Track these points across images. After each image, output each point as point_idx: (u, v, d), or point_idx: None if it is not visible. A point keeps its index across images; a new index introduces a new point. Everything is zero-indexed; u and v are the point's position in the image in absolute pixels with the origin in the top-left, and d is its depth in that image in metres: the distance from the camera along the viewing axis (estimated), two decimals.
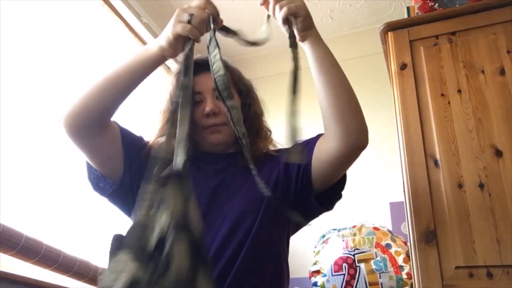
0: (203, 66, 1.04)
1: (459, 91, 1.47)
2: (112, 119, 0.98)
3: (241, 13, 2.53)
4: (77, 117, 0.90)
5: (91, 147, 0.95)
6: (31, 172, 1.48)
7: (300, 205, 1.01)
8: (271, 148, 1.13)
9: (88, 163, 1.00)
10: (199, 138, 1.07)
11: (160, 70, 2.42)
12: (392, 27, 1.65)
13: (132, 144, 1.01)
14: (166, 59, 0.92)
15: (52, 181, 1.55)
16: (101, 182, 1.00)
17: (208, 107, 1.03)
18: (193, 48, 0.86)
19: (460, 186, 1.34)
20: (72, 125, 0.91)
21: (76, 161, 1.64)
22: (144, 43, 2.35)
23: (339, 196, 1.07)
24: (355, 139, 0.96)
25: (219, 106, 1.03)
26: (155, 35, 2.35)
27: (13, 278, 1.22)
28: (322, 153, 0.98)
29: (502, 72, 1.44)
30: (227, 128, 1.04)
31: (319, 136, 1.04)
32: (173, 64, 2.43)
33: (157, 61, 0.91)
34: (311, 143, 1.03)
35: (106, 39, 2.06)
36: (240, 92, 1.10)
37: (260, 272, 0.92)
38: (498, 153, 1.35)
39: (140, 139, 1.06)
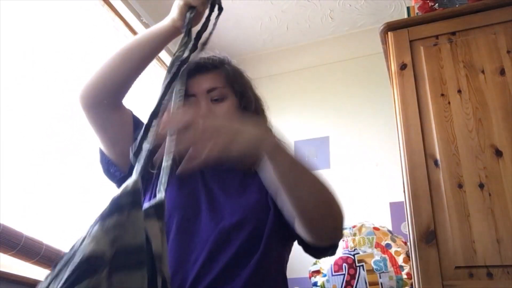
0: (197, 68, 1.04)
1: (459, 91, 1.47)
2: (128, 107, 1.00)
3: (241, 13, 2.53)
4: (92, 89, 0.92)
5: (103, 122, 0.95)
6: (31, 172, 1.48)
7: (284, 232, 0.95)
8: None
9: (101, 148, 1.02)
10: None
11: (160, 69, 2.42)
12: (392, 27, 1.65)
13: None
14: (179, 31, 0.93)
15: (52, 181, 1.55)
16: (111, 167, 1.00)
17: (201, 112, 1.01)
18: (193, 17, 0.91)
19: (460, 186, 1.34)
20: (87, 97, 0.93)
21: (76, 161, 1.64)
22: None
23: (330, 253, 0.97)
24: (327, 241, 0.89)
25: (214, 109, 1.02)
26: None
27: (13, 278, 1.22)
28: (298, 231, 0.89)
29: (502, 72, 1.44)
30: None
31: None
32: (167, 58, 2.43)
33: (171, 32, 0.95)
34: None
35: (106, 39, 2.06)
36: (236, 93, 1.07)
37: (263, 278, 0.90)
38: (498, 153, 1.35)
39: None
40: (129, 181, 0.56)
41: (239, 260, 0.87)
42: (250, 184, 1.00)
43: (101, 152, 1.02)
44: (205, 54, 1.08)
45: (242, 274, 0.85)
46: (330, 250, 0.94)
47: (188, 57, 0.80)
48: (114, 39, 2.14)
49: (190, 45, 0.81)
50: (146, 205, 0.58)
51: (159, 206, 0.59)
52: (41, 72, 1.61)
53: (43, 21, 1.68)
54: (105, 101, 0.93)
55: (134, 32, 2.28)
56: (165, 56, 2.46)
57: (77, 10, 1.87)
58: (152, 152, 0.65)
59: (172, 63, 0.78)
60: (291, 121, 2.67)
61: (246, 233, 0.89)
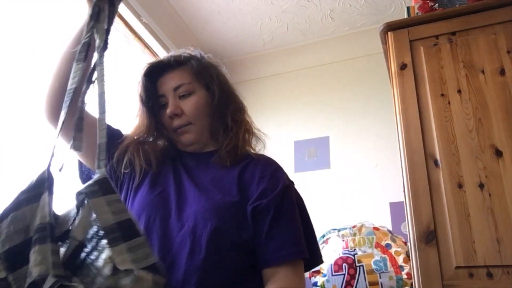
0: (161, 67, 1.05)
1: (459, 91, 1.47)
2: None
3: (241, 13, 2.53)
4: (50, 99, 0.95)
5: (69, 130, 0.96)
6: (31, 172, 1.48)
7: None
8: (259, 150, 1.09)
9: (79, 161, 1.05)
10: (173, 140, 1.06)
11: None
12: (392, 27, 1.65)
13: (109, 136, 1.03)
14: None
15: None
16: (90, 173, 1.03)
17: (169, 110, 1.01)
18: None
19: (460, 186, 1.34)
20: (48, 109, 0.95)
21: (76, 160, 1.64)
22: (144, 43, 2.35)
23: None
24: None
25: (181, 106, 1.02)
26: (155, 35, 2.35)
27: None
28: None
29: (502, 72, 1.44)
30: (194, 127, 1.02)
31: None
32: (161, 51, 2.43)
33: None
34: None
35: None
36: (204, 86, 1.06)
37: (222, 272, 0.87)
38: (498, 153, 1.35)
39: (118, 132, 1.07)
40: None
41: (205, 265, 0.85)
42: (222, 178, 0.97)
43: (78, 162, 1.06)
44: (175, 51, 1.09)
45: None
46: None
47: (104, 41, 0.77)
48: (114, 39, 2.14)
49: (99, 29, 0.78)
50: (89, 183, 0.63)
51: (102, 182, 0.62)
52: (41, 72, 1.61)
53: (42, 22, 1.68)
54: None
55: (134, 32, 2.28)
56: (160, 50, 2.46)
57: (77, 11, 1.87)
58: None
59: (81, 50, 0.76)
60: (291, 121, 2.67)
61: (207, 235, 0.87)
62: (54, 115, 0.94)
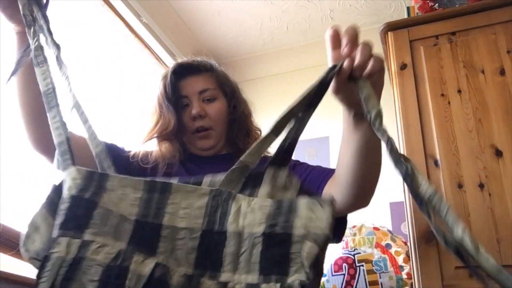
0: (188, 69, 1.08)
1: (459, 91, 1.47)
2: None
3: (241, 13, 2.53)
4: (30, 137, 0.93)
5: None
6: (31, 172, 1.48)
7: None
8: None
9: None
10: (188, 142, 1.08)
11: (151, 62, 2.42)
12: (392, 27, 1.65)
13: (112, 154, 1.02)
14: (17, 31, 0.93)
15: (52, 181, 1.55)
16: None
17: (194, 110, 1.03)
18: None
19: (460, 186, 1.34)
20: (36, 147, 0.93)
21: None
22: (144, 43, 2.35)
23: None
24: (362, 204, 0.93)
25: (206, 108, 1.05)
26: (155, 35, 2.35)
27: (13, 278, 1.22)
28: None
29: (502, 72, 1.44)
30: (214, 132, 1.05)
31: (329, 174, 0.93)
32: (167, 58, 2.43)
33: (19, 39, 0.94)
34: (322, 180, 0.93)
35: (106, 39, 2.06)
36: (226, 95, 1.11)
37: None
38: (498, 153, 1.35)
39: (121, 150, 1.04)
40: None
41: None
42: None
43: None
44: (194, 57, 1.12)
45: None
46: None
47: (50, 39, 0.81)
48: (114, 39, 2.14)
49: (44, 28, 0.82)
50: None
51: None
52: None
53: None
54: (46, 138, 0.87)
55: (134, 32, 2.28)
56: (165, 56, 2.47)
57: (76, 10, 1.87)
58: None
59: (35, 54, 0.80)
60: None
61: None
62: (45, 146, 0.90)
